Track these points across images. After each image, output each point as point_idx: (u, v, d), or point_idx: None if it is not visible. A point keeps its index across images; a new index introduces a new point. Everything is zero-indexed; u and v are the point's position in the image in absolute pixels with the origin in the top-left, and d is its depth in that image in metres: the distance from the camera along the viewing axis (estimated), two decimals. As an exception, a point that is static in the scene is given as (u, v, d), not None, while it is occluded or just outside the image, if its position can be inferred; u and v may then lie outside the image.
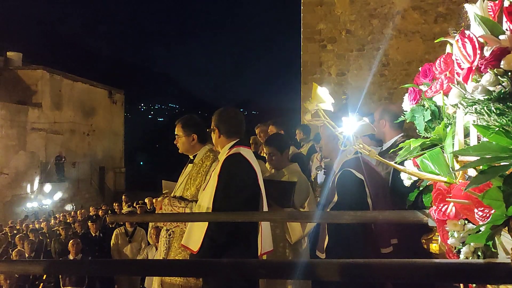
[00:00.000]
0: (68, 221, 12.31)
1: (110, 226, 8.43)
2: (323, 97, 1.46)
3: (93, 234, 8.14)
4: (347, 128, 1.54)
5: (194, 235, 2.67)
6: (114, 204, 14.08)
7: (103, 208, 13.58)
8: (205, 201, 2.69)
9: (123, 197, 14.06)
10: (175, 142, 3.35)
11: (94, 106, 27.59)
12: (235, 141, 2.84)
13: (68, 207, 21.61)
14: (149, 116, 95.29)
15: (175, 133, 3.32)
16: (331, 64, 12.91)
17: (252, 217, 2.18)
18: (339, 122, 1.61)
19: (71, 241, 7.07)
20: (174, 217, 2.87)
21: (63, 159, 23.24)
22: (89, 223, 8.48)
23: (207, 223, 2.56)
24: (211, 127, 2.92)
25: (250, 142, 5.74)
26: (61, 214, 15.10)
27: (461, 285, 1.41)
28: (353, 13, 12.65)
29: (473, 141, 1.43)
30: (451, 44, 1.80)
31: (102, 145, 28.36)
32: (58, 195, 22.55)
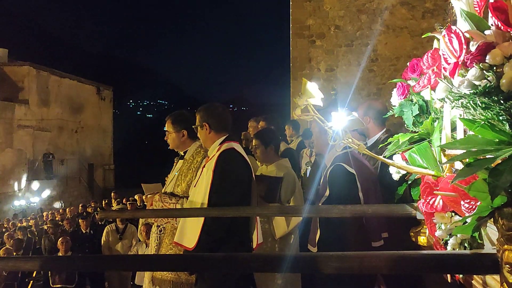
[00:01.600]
0: (56, 218, 12.23)
1: (100, 223, 8.40)
2: (312, 92, 1.47)
3: (83, 231, 8.10)
4: (336, 122, 1.56)
5: (188, 232, 2.66)
6: (103, 201, 14.00)
7: (92, 205, 13.50)
8: (199, 196, 2.69)
9: (112, 194, 13.98)
10: (165, 138, 3.34)
11: (82, 102, 27.34)
12: (224, 137, 2.85)
13: (57, 204, 21.42)
14: (138, 113, 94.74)
15: (165, 129, 3.32)
16: (320, 60, 12.95)
17: (243, 211, 2.20)
18: (329, 117, 1.62)
19: (60, 239, 7.02)
20: (165, 213, 2.86)
21: (51, 157, 23.02)
22: (79, 220, 8.43)
23: (201, 219, 2.56)
24: (199, 123, 2.91)
25: (241, 138, 5.75)
26: (49, 212, 14.97)
27: (449, 275, 1.44)
28: (342, 9, 12.69)
29: (460, 135, 1.46)
30: (438, 40, 1.82)
31: (90, 142, 28.13)
32: (46, 193, 22.35)
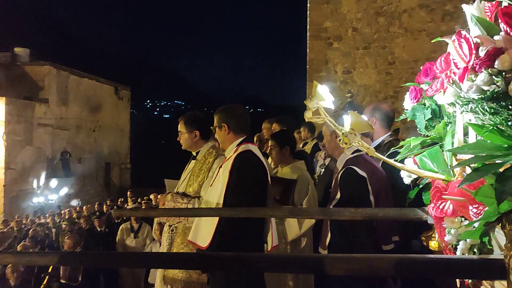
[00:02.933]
0: (73, 216, 12.41)
1: (116, 221, 8.51)
2: (323, 95, 1.48)
3: (98, 229, 8.21)
4: (348, 125, 1.56)
5: (202, 231, 2.69)
6: (119, 200, 14.16)
7: (108, 203, 13.67)
8: (214, 197, 2.71)
9: (128, 193, 14.14)
10: (178, 139, 3.38)
11: (100, 102, 27.70)
12: (242, 138, 2.87)
13: (74, 202, 21.74)
14: (155, 113, 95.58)
15: (178, 129, 3.36)
16: (337, 62, 12.88)
17: (254, 212, 2.21)
18: (342, 120, 1.63)
19: (67, 236, 7.13)
20: (177, 212, 2.90)
21: (69, 155, 23.38)
22: (94, 219, 8.55)
23: (216, 219, 2.59)
24: (218, 124, 2.92)
25: (255, 140, 5.77)
26: (67, 210, 15.21)
27: (458, 281, 1.44)
28: (360, 11, 12.61)
29: (471, 140, 1.46)
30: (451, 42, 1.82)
31: (108, 141, 28.48)
32: (64, 191, 22.70)
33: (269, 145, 3.87)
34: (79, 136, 25.48)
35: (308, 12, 12.98)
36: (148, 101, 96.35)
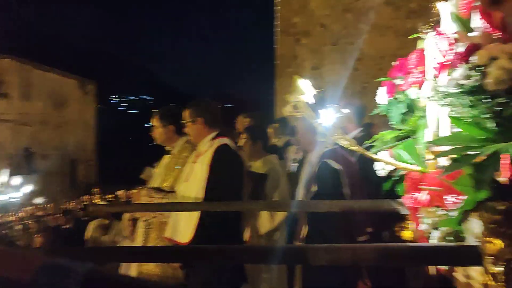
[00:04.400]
0: (38, 214, 12.07)
1: (83, 219, 8.33)
2: (304, 89, 1.50)
3: (66, 227, 8.02)
4: (326, 119, 1.59)
5: (181, 227, 2.67)
6: (85, 197, 13.86)
7: (75, 200, 13.36)
8: (192, 191, 2.70)
9: (95, 189, 13.85)
10: (151, 133, 3.34)
11: (65, 97, 26.98)
12: (216, 132, 2.87)
13: (38, 200, 21.12)
14: (122, 108, 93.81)
15: (152, 123, 3.32)
16: (306, 58, 12.97)
17: (232, 206, 2.22)
18: (317, 114, 1.66)
19: (37, 235, 6.95)
20: (155, 207, 2.87)
21: (32, 151, 22.67)
22: (62, 216, 8.35)
23: (195, 214, 2.58)
24: (191, 118, 2.91)
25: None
26: (31, 208, 14.77)
27: (433, 268, 1.49)
28: (328, 7, 12.72)
29: (444, 132, 1.51)
30: (423, 40, 1.88)
31: (73, 137, 27.79)
32: (28, 188, 22.01)
33: (242, 138, 3.88)
34: (43, 132, 24.74)
35: (276, 7, 13.02)
36: (115, 96, 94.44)
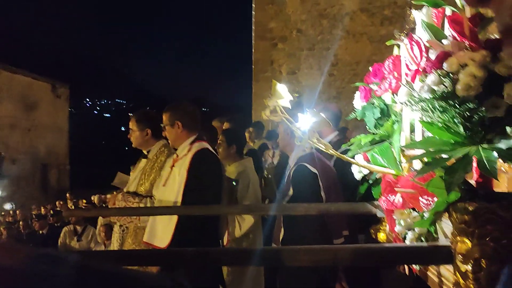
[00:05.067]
0: (8, 220, 11.74)
1: (56, 224, 8.16)
2: (282, 93, 1.53)
3: (40, 233, 7.83)
4: (303, 123, 1.63)
5: (159, 231, 2.64)
6: (57, 202, 13.55)
7: (47, 206, 13.04)
8: (170, 196, 2.67)
9: (67, 194, 13.57)
10: (128, 136, 3.31)
11: (36, 100, 26.31)
12: (194, 136, 2.86)
13: (8, 206, 20.52)
14: (95, 112, 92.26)
15: (129, 127, 3.29)
16: (282, 63, 13.10)
17: (211, 210, 2.22)
18: (296, 118, 1.69)
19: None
20: (132, 211, 2.84)
21: (3, 155, 22.04)
22: (35, 221, 8.15)
23: (173, 218, 2.56)
24: (169, 122, 2.89)
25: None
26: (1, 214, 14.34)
27: (406, 268, 1.54)
28: (304, 13, 12.90)
29: (418, 137, 1.57)
30: (399, 46, 1.94)
31: (45, 141, 27.11)
32: (-3, 193, 21.38)
33: (218, 141, 3.88)
34: (12, 136, 24.06)
35: (253, 12, 13.10)
36: (88, 99, 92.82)
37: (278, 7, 12.74)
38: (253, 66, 13.01)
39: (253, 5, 12.86)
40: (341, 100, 12.01)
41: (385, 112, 1.99)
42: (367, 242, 3.23)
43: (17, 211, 13.24)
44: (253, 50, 13.03)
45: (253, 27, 12.95)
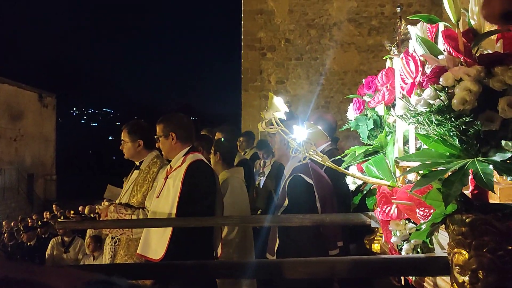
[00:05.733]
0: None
1: (44, 236, 8.04)
2: (278, 106, 1.54)
3: (26, 244, 7.70)
4: (299, 135, 1.64)
5: (153, 243, 2.61)
6: (44, 213, 13.36)
7: (34, 217, 12.84)
8: (165, 207, 2.65)
9: (54, 206, 13.40)
10: (120, 148, 3.29)
11: (22, 109, 26.04)
12: (189, 147, 2.85)
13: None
14: (82, 121, 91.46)
15: (121, 138, 3.27)
16: (271, 72, 13.18)
17: (205, 222, 2.22)
18: (289, 129, 1.70)
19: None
20: (126, 223, 2.81)
21: (-12, 166, 21.70)
22: (23, 233, 8.02)
23: (167, 230, 2.53)
24: (163, 133, 2.88)
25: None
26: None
27: (402, 278, 1.55)
28: (292, 23, 13.01)
29: (412, 148, 1.59)
30: (391, 59, 1.97)
31: (31, 151, 26.80)
32: (-19, 205, 21.00)
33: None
34: (-2, 146, 23.75)
35: (242, 22, 13.18)
36: (75, 108, 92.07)
37: (266, 17, 12.85)
38: (242, 76, 13.06)
39: (242, 15, 12.95)
40: (329, 109, 12.10)
41: (378, 124, 2.02)
42: (358, 252, 3.25)
43: (3, 222, 13.02)
44: (242, 60, 13.09)
45: (242, 37, 13.02)
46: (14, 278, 0.39)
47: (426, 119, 1.14)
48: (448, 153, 1.15)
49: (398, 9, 1.95)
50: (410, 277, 1.47)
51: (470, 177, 1.10)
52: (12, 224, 12.23)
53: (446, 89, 1.11)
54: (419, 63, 1.18)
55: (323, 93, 12.77)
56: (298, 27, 12.75)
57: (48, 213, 12.68)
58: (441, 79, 1.10)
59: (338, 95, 12.29)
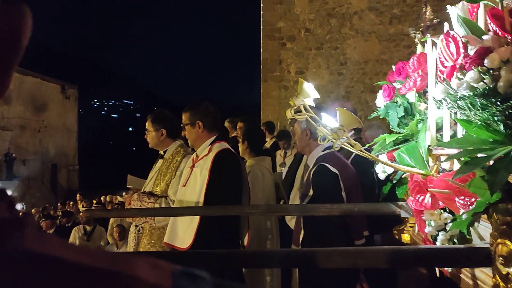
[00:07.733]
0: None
1: (67, 225, 8.19)
2: (308, 92, 1.50)
3: (49, 232, 7.85)
4: (329, 122, 1.59)
5: (180, 232, 2.62)
6: (68, 202, 13.63)
7: (59, 206, 13.12)
8: (191, 196, 2.64)
9: (78, 195, 13.64)
10: (145, 137, 3.30)
11: (46, 101, 26.51)
12: (215, 136, 2.84)
13: (18, 206, 20.67)
14: (103, 112, 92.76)
15: (146, 127, 3.28)
16: (291, 62, 13.07)
17: (231, 210, 2.20)
18: (320, 117, 1.66)
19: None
20: (151, 212, 2.82)
21: (13, 156, 22.21)
22: (43, 222, 8.18)
23: (195, 219, 2.53)
24: (190, 121, 2.87)
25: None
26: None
27: (437, 270, 1.50)
28: (312, 12, 12.85)
29: (446, 136, 1.53)
30: (423, 45, 1.90)
31: (54, 142, 27.32)
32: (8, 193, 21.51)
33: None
34: (23, 137, 24.25)
35: (261, 12, 13.07)
36: (96, 100, 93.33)
37: (286, 7, 12.72)
38: (261, 66, 12.99)
39: (262, 5, 12.84)
40: (350, 99, 11.94)
41: (409, 111, 1.96)
42: (383, 242, 3.19)
43: (33, 210, 13.32)
44: (261, 50, 13.00)
45: (261, 27, 12.93)
46: (90, 266, 0.36)
47: (469, 104, 1.08)
48: (492, 139, 1.10)
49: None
50: (446, 269, 1.42)
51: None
52: (34, 211, 12.50)
53: (491, 71, 1.05)
54: (460, 45, 1.12)
55: (343, 83, 12.62)
56: (318, 16, 12.59)
57: (71, 202, 12.94)
58: (486, 61, 1.04)
59: (359, 84, 12.13)
